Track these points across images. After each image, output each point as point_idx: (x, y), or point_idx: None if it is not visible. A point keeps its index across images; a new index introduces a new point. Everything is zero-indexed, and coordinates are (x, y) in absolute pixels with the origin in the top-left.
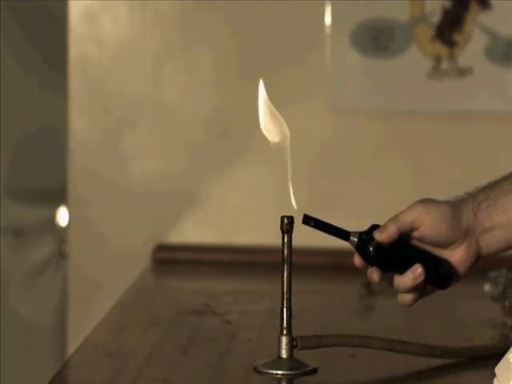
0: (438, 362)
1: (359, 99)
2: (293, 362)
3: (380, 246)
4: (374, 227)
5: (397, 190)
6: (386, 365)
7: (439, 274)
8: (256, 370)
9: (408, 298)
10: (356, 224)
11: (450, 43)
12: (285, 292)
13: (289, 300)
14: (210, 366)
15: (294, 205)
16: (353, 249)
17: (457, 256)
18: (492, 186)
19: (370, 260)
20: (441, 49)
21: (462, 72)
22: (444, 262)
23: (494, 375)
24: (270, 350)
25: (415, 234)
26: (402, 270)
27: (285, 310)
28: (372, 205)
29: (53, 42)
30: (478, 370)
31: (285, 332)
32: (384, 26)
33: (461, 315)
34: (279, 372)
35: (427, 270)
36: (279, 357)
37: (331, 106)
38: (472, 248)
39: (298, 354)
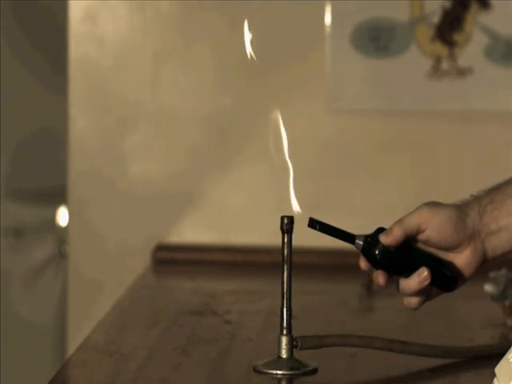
0: (438, 361)
1: (359, 99)
2: (293, 362)
3: (386, 249)
4: (380, 230)
5: (397, 190)
6: (386, 365)
7: (445, 277)
8: (256, 370)
9: (414, 301)
10: (356, 224)
11: (449, 43)
12: (285, 292)
13: (289, 300)
14: (209, 365)
15: (295, 208)
16: (353, 249)
17: (462, 259)
18: (497, 189)
19: (375, 263)
20: (441, 49)
21: (462, 72)
22: (450, 265)
23: (494, 375)
24: (270, 350)
25: (421, 236)
26: (407, 273)
27: (285, 310)
28: (372, 204)
29: (53, 42)
30: (478, 370)
31: (285, 332)
32: (384, 26)
33: (461, 315)
34: (279, 372)
35: (433, 273)
36: (279, 357)
37: (331, 106)
38: (478, 251)
39: (298, 354)
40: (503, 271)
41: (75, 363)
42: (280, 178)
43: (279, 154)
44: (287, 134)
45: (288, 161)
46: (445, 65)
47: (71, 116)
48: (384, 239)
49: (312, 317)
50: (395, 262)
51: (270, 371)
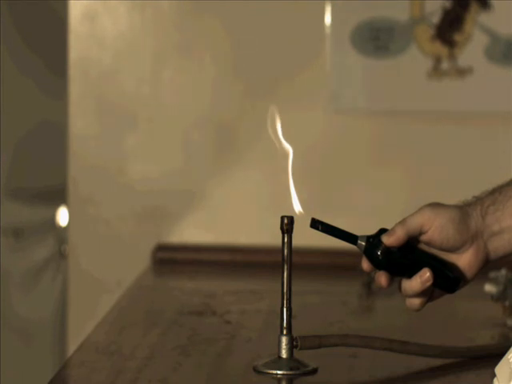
0: (437, 362)
1: (359, 99)
2: (293, 362)
3: (388, 250)
4: (382, 231)
5: (397, 190)
6: (386, 365)
7: (447, 279)
8: (256, 370)
9: (416, 302)
10: (356, 223)
11: (450, 43)
12: (285, 292)
13: (289, 300)
14: (209, 366)
15: (297, 208)
16: (353, 249)
17: (465, 260)
18: (500, 190)
19: (377, 264)
20: (441, 49)
21: (462, 72)
22: (452, 266)
23: (494, 375)
24: (270, 350)
25: (423, 237)
26: (410, 274)
27: (285, 309)
28: (372, 205)
29: (53, 43)
30: (478, 370)
31: (285, 332)
32: (384, 25)
33: (461, 315)
34: (279, 372)
35: (435, 275)
36: (279, 357)
37: (331, 106)
38: (480, 252)
39: (298, 354)
40: (503, 271)
41: (75, 363)
42: (280, 178)
43: (280, 154)
44: (287, 134)
45: (289, 168)
46: (445, 65)
47: (71, 116)
48: (386, 240)
49: (312, 317)
50: (397, 262)
51: (270, 371)
